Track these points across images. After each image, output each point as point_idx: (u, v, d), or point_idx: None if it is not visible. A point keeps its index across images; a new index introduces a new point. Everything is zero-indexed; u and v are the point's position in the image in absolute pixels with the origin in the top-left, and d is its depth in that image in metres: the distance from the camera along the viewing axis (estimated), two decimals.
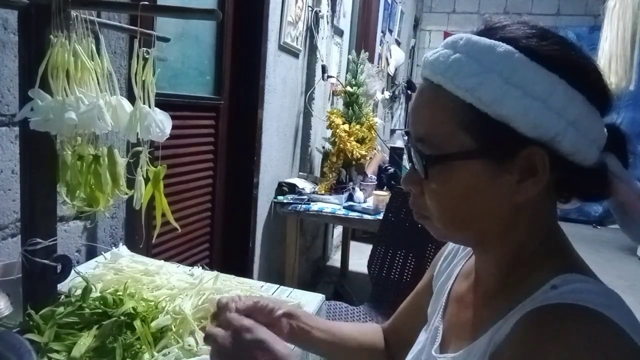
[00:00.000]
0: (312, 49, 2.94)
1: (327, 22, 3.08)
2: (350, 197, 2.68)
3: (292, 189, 2.68)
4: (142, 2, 0.86)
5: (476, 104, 0.50)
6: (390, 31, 5.32)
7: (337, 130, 2.82)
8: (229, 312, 0.64)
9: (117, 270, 1.16)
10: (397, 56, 5.38)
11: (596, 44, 3.47)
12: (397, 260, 2.15)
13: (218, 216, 2.20)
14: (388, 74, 5.40)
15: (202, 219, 2.09)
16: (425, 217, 0.58)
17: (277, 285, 1.34)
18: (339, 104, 3.39)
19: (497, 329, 0.53)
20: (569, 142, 0.50)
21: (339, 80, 3.38)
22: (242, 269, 2.34)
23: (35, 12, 0.84)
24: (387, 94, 4.75)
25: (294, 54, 2.72)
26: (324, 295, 1.30)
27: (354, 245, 3.93)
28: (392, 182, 2.82)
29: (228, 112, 2.22)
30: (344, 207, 2.60)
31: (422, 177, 0.55)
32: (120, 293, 0.99)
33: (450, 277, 0.71)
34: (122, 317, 0.90)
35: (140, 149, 0.95)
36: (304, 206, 2.58)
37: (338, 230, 4.10)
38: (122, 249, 1.39)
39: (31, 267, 0.90)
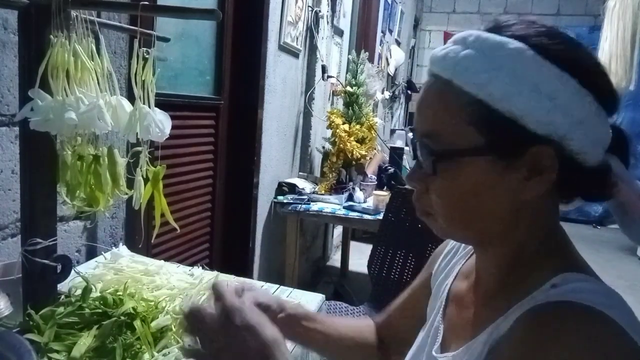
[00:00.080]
0: (312, 49, 2.94)
1: (327, 22, 3.07)
2: (350, 197, 2.68)
3: (292, 189, 2.67)
4: (142, 2, 0.86)
5: (486, 99, 0.50)
6: (390, 31, 5.32)
7: (337, 130, 2.81)
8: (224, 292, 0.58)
9: (117, 270, 1.16)
10: (397, 56, 5.39)
11: (596, 44, 3.47)
12: (397, 260, 2.15)
13: (218, 216, 2.20)
14: (388, 74, 5.40)
15: (202, 219, 2.09)
16: (428, 214, 0.58)
17: (277, 285, 1.34)
18: (339, 104, 3.38)
19: (497, 326, 0.53)
20: (577, 141, 0.50)
21: (339, 80, 3.38)
22: (242, 269, 2.33)
23: (35, 12, 0.84)
24: (387, 94, 4.75)
25: (294, 54, 2.72)
26: (324, 295, 1.30)
27: (354, 245, 3.92)
28: (392, 182, 2.82)
29: (228, 112, 2.22)
30: (344, 207, 2.60)
31: (429, 173, 0.54)
32: (120, 293, 0.99)
33: (449, 275, 0.71)
34: (122, 317, 0.90)
35: (140, 149, 0.95)
36: (304, 206, 2.57)
37: (338, 230, 4.10)
38: (122, 249, 1.39)
39: (31, 267, 0.90)
